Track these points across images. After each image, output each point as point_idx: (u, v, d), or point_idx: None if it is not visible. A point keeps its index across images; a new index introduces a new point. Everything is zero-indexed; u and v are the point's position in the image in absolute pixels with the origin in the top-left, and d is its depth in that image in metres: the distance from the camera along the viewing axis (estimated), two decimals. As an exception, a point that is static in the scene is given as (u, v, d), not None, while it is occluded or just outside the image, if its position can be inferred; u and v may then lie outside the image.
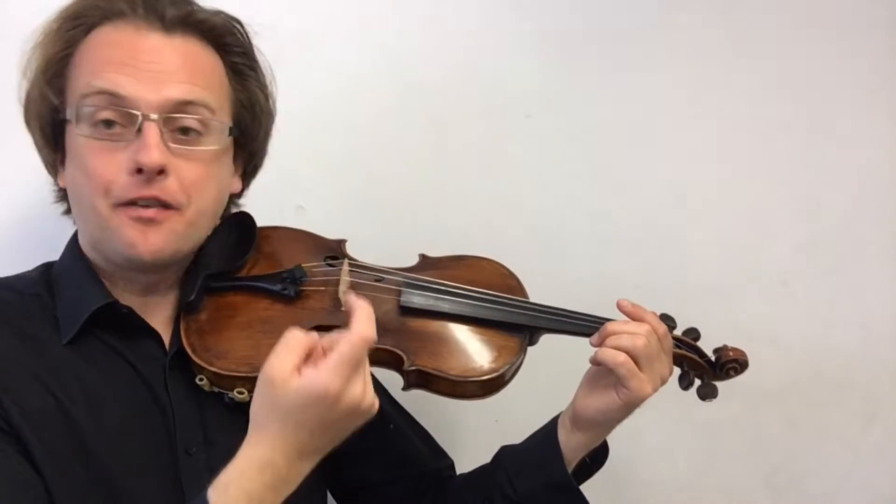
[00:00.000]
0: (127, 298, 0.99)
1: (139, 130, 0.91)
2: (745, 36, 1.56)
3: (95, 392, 0.93)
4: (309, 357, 0.82)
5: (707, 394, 1.11)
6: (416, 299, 1.04)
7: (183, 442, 0.95)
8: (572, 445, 1.06)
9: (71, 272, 1.00)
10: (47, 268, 1.03)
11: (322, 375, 0.80)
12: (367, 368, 0.84)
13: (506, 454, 1.12)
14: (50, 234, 1.08)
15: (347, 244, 1.13)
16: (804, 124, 1.59)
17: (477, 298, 1.06)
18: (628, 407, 1.03)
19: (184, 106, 0.94)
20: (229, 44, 1.02)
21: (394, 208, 1.41)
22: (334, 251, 1.11)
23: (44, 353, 0.93)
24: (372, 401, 0.84)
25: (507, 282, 1.12)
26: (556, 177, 1.50)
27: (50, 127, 0.97)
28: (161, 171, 0.92)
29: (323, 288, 1.04)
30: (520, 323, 1.06)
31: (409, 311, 1.04)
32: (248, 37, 1.04)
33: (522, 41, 1.48)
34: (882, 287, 1.62)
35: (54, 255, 1.04)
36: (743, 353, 1.10)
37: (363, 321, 0.83)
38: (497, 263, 1.15)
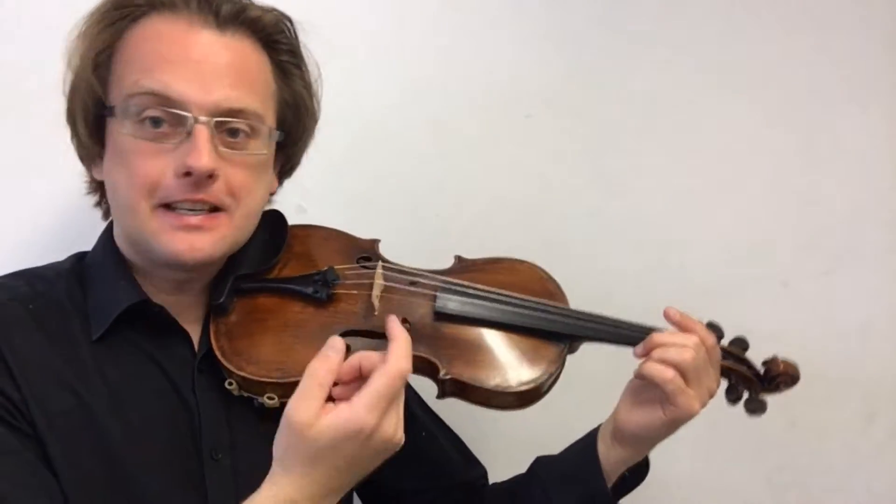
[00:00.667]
0: (158, 296, 0.96)
1: (189, 133, 0.89)
2: (746, 35, 1.56)
3: (121, 392, 0.91)
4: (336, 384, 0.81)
5: (755, 409, 1.05)
6: (452, 304, 1.00)
7: (209, 446, 0.93)
8: (612, 460, 1.02)
9: (103, 266, 0.98)
10: (79, 259, 1.01)
11: (358, 413, 0.78)
12: (402, 402, 0.83)
13: (542, 466, 1.09)
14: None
15: (381, 244, 1.09)
16: (804, 124, 1.59)
17: (516, 304, 1.01)
18: (674, 424, 0.98)
19: (234, 112, 0.91)
20: (278, 41, 0.98)
21: (394, 208, 1.41)
22: (367, 252, 1.07)
23: (71, 351, 0.91)
24: (402, 436, 0.83)
25: (547, 286, 1.08)
26: (556, 177, 1.50)
27: (94, 119, 0.94)
28: (210, 176, 0.89)
29: (356, 291, 1.01)
30: (560, 331, 1.01)
31: (444, 317, 1.00)
32: (295, 34, 1.01)
33: (523, 41, 1.48)
34: (882, 287, 1.62)
35: (86, 245, 1.03)
36: (795, 367, 1.04)
37: (401, 353, 0.82)
38: (536, 267, 1.10)
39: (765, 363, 1.06)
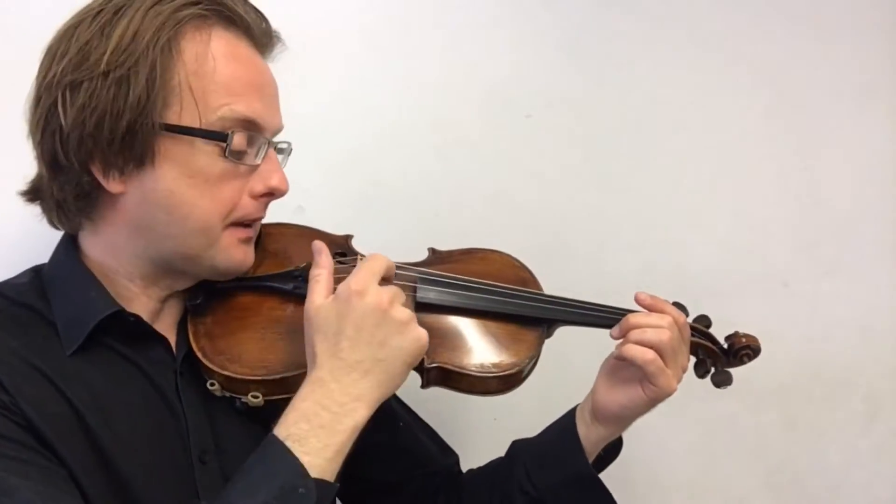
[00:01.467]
0: (142, 304, 0.95)
1: (260, 154, 0.93)
2: (746, 35, 1.56)
3: (106, 399, 0.89)
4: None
5: (722, 381, 1.10)
6: (432, 294, 1.02)
7: (197, 450, 0.93)
8: (592, 439, 1.05)
9: (70, 278, 0.94)
10: (36, 273, 0.97)
11: (348, 282, 0.89)
12: (394, 289, 0.90)
13: (521, 449, 1.10)
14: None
15: (353, 240, 1.10)
16: (804, 124, 1.59)
17: (493, 292, 1.04)
18: (653, 402, 1.01)
19: (280, 131, 0.97)
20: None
21: (394, 208, 1.41)
22: (342, 247, 1.08)
23: (50, 362, 0.88)
24: (409, 315, 0.89)
25: (520, 274, 1.10)
26: (556, 177, 1.50)
27: (152, 127, 0.86)
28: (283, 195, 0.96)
29: (335, 286, 1.01)
30: (537, 316, 1.04)
31: (424, 307, 1.01)
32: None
33: (523, 41, 1.48)
34: (882, 287, 1.62)
35: (33, 260, 0.99)
36: (755, 339, 1.09)
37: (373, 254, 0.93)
38: (508, 256, 1.13)
39: (727, 338, 1.10)
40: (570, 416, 1.08)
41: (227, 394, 0.94)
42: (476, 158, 1.46)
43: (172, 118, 0.87)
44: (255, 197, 0.94)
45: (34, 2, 1.17)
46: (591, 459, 1.05)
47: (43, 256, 0.99)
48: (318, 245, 0.96)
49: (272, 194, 0.95)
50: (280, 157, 0.99)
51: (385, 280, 0.93)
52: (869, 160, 1.61)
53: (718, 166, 1.56)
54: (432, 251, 1.13)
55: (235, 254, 0.95)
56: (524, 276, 1.10)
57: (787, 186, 1.58)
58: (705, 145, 1.55)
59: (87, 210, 0.92)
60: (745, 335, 1.09)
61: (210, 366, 0.93)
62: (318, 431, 0.83)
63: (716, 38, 1.55)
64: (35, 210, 0.96)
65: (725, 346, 1.10)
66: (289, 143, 1.01)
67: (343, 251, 1.08)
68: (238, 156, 0.91)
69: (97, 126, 0.85)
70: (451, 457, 1.20)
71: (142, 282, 0.95)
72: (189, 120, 0.88)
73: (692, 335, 1.07)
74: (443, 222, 1.44)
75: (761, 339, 1.09)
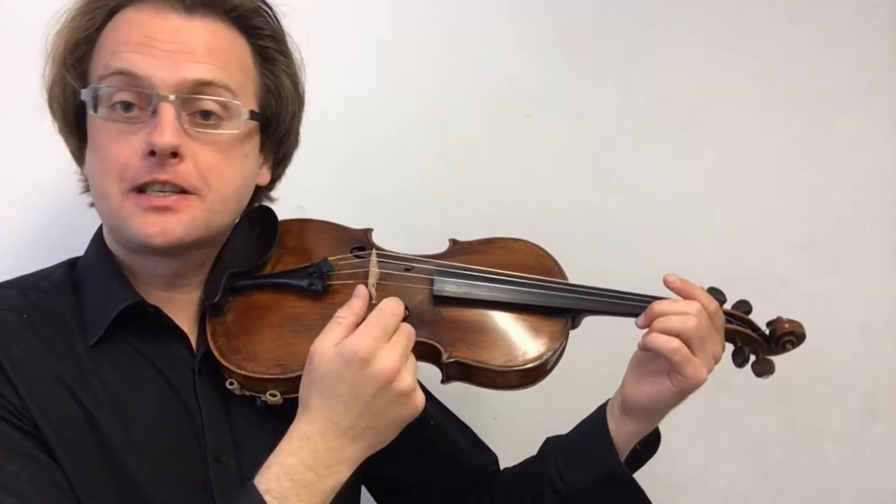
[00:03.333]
0: (152, 294, 0.96)
1: (154, 112, 0.88)
2: (745, 36, 1.56)
3: (121, 398, 0.90)
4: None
5: (763, 370, 1.04)
6: (450, 287, 1.00)
7: (213, 449, 0.92)
8: (623, 434, 1.01)
9: (96, 269, 0.96)
10: (72, 264, 0.99)
11: (354, 337, 0.85)
12: (404, 346, 0.87)
13: (553, 446, 1.08)
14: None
15: (374, 233, 1.09)
16: (804, 124, 1.59)
17: (514, 283, 1.01)
18: (683, 393, 0.97)
19: (202, 87, 0.90)
20: (257, 26, 0.97)
21: (394, 208, 1.41)
22: (361, 241, 1.07)
23: (69, 358, 0.90)
24: (411, 385, 0.85)
25: (544, 263, 1.07)
26: (556, 177, 1.50)
27: (72, 112, 0.94)
28: (175, 154, 0.88)
29: (352, 281, 0.99)
30: (561, 306, 1.00)
31: (443, 301, 0.99)
32: (278, 20, 1.00)
33: (523, 41, 1.48)
34: (882, 287, 1.62)
35: (79, 249, 1.02)
36: (799, 325, 1.03)
37: (389, 298, 0.89)
38: (531, 244, 1.10)
39: (769, 324, 1.05)
40: (601, 411, 1.05)
41: (247, 392, 0.93)
42: (476, 158, 1.46)
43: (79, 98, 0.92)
44: (144, 156, 0.88)
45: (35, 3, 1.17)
46: (624, 454, 1.02)
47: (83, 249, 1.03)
48: (360, 290, 0.91)
49: (154, 152, 0.87)
50: (204, 120, 0.91)
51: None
52: (869, 160, 1.61)
53: (718, 166, 1.56)
54: (453, 242, 1.11)
55: (140, 223, 0.88)
56: (548, 265, 1.07)
57: (787, 186, 1.58)
58: (705, 145, 1.55)
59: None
60: (789, 320, 1.04)
61: (227, 365, 0.92)
62: (300, 491, 0.82)
63: (716, 38, 1.55)
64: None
65: (767, 332, 1.05)
66: (220, 102, 0.91)
67: (362, 245, 1.06)
68: (127, 117, 0.89)
69: (56, 118, 0.96)
70: (486, 455, 1.17)
71: (136, 265, 0.96)
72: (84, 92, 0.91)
73: (729, 321, 1.02)
74: (442, 222, 1.44)
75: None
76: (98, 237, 0.99)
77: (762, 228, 1.57)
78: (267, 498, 0.80)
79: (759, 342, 1.04)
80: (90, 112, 0.91)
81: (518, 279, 1.01)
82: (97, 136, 0.91)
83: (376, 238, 1.09)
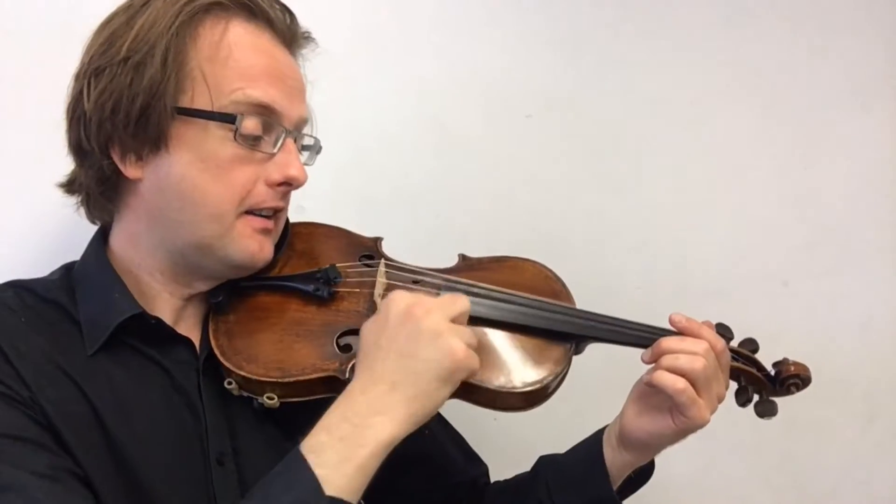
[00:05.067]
0: (166, 302, 0.95)
1: (278, 143, 0.92)
2: (746, 36, 1.56)
3: (126, 398, 0.89)
4: None
5: (765, 411, 1.02)
6: None
7: (214, 451, 0.91)
8: (618, 464, 1.01)
9: (96, 277, 0.95)
10: (67, 270, 0.98)
11: (396, 293, 0.87)
12: (446, 304, 0.87)
13: (546, 467, 1.07)
14: (64, 234, 1.04)
15: (384, 242, 1.09)
16: (804, 124, 1.59)
17: (520, 304, 1.00)
18: (683, 433, 0.96)
19: (304, 125, 0.98)
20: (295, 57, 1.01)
21: (394, 209, 1.41)
22: (370, 250, 1.07)
23: (72, 358, 0.89)
24: (443, 326, 0.84)
25: (552, 286, 1.06)
26: (556, 177, 1.50)
27: (165, 110, 0.88)
28: (299, 186, 0.95)
29: (358, 290, 0.99)
30: (566, 331, 0.99)
31: None
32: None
33: (523, 41, 1.48)
34: (882, 287, 1.62)
35: (71, 255, 1.00)
36: (805, 368, 1.02)
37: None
38: (541, 266, 1.09)
39: (775, 365, 1.04)
40: (598, 437, 1.04)
41: (244, 393, 0.92)
42: (476, 158, 1.46)
43: (185, 102, 0.89)
44: (271, 185, 0.93)
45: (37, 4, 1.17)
46: (617, 483, 1.01)
47: (79, 253, 1.01)
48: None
49: (288, 184, 0.94)
50: (307, 153, 1.01)
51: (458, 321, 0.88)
52: (869, 160, 1.61)
53: (718, 166, 1.56)
54: (462, 258, 1.11)
55: (250, 244, 0.93)
56: (556, 289, 1.06)
57: (787, 186, 1.58)
58: (705, 145, 1.55)
59: (109, 196, 0.95)
60: (795, 363, 1.02)
61: (227, 364, 0.92)
62: (336, 444, 0.79)
63: (715, 39, 1.55)
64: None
65: (772, 373, 1.03)
66: (316, 140, 1.02)
67: (370, 254, 1.06)
68: (252, 141, 0.91)
69: (114, 109, 0.88)
70: (477, 467, 1.17)
71: (162, 277, 0.95)
72: (202, 104, 0.89)
73: (735, 360, 1.01)
74: (443, 222, 1.44)
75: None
76: (97, 246, 0.98)
77: (762, 229, 1.57)
78: (307, 455, 0.79)
79: (763, 383, 1.03)
80: (211, 126, 0.89)
81: (525, 300, 1.00)
82: (217, 154, 0.90)
83: (385, 247, 1.09)
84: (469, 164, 1.46)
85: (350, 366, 0.90)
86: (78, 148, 0.93)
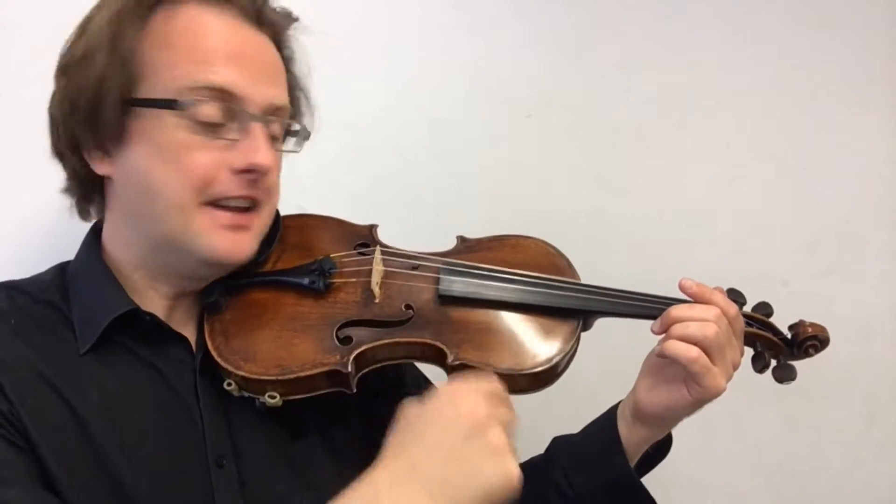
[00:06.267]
0: (154, 300, 0.93)
1: (244, 129, 0.87)
2: (745, 36, 1.56)
3: (117, 401, 0.86)
4: None
5: (784, 376, 0.99)
6: (457, 286, 0.96)
7: (214, 453, 0.88)
8: (634, 440, 0.98)
9: (88, 275, 0.93)
10: (62, 269, 0.96)
11: (440, 388, 0.78)
12: (501, 408, 0.77)
13: (560, 448, 1.04)
14: (60, 233, 1.02)
15: (379, 229, 1.06)
16: (804, 124, 1.59)
17: (523, 282, 0.97)
18: (700, 403, 0.93)
19: (278, 110, 0.91)
20: (282, 40, 0.97)
21: (394, 208, 1.41)
22: (365, 238, 1.03)
23: (60, 362, 0.86)
24: (505, 443, 0.74)
25: (555, 261, 1.03)
26: (556, 177, 1.50)
27: (123, 105, 0.86)
28: (266, 173, 0.88)
29: (354, 279, 0.96)
30: (572, 307, 0.96)
31: (449, 300, 0.95)
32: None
33: (523, 41, 1.48)
34: (882, 287, 1.62)
35: (66, 255, 0.99)
36: (823, 329, 0.99)
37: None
38: (542, 242, 1.06)
39: (791, 328, 1.00)
40: (612, 414, 1.01)
41: (245, 394, 0.90)
42: (476, 158, 1.46)
43: (139, 94, 0.87)
44: (236, 173, 0.87)
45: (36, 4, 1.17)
46: (635, 460, 0.99)
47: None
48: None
49: (253, 171, 0.87)
50: (293, 140, 0.96)
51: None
52: (869, 160, 1.61)
53: (718, 166, 1.56)
54: (461, 239, 1.07)
55: (217, 240, 0.88)
56: (559, 264, 1.03)
57: (787, 186, 1.58)
58: (705, 145, 1.55)
59: (89, 196, 0.94)
60: (812, 324, 0.99)
61: (225, 365, 0.89)
62: None
63: (715, 39, 1.55)
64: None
65: (789, 336, 1.00)
66: (304, 127, 0.96)
67: (366, 242, 1.03)
68: (213, 128, 0.86)
69: (71, 108, 0.87)
70: None
71: (147, 274, 0.92)
72: (155, 93, 0.86)
73: (749, 325, 0.98)
74: (443, 222, 1.44)
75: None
76: (91, 243, 0.96)
77: (762, 228, 1.57)
78: None
79: (780, 346, 1.00)
80: (159, 116, 0.86)
81: (528, 278, 0.98)
82: (173, 143, 0.86)
83: (381, 234, 1.06)
84: (469, 164, 1.46)
85: (352, 357, 0.89)
86: (55, 150, 0.92)
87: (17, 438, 0.80)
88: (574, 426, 1.09)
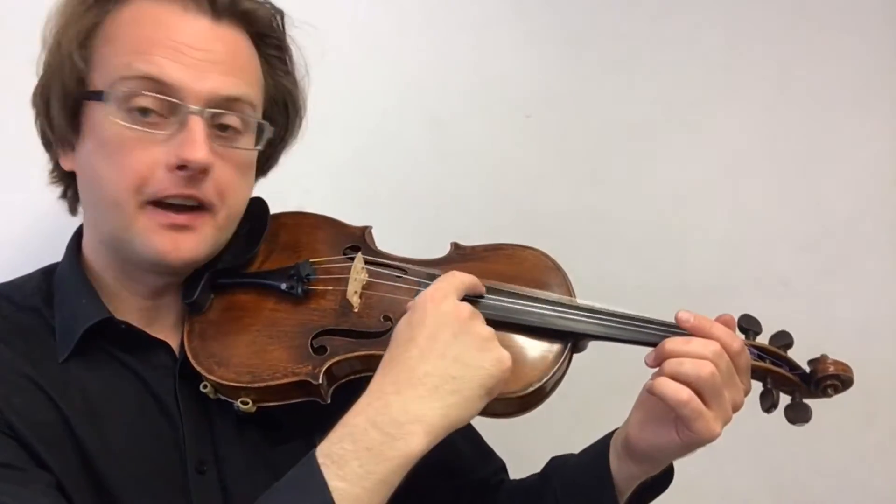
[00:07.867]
0: (130, 301, 0.91)
1: (182, 124, 0.83)
2: (745, 36, 1.56)
3: (99, 406, 0.85)
4: None
5: (798, 417, 0.88)
6: None
7: (193, 458, 0.87)
8: (624, 475, 0.92)
9: (69, 281, 0.91)
10: (49, 273, 0.95)
11: (422, 291, 0.82)
12: (476, 310, 0.82)
13: (555, 470, 1.01)
14: (54, 229, 1.01)
15: (375, 230, 1.03)
16: (804, 124, 1.59)
17: (510, 300, 0.91)
18: (690, 447, 0.86)
19: (229, 102, 0.87)
20: (267, 35, 0.94)
21: (394, 208, 1.41)
22: (356, 241, 0.99)
23: (45, 366, 0.85)
24: (490, 333, 0.79)
25: (550, 276, 0.97)
26: (556, 177, 1.49)
27: (73, 102, 0.86)
28: (205, 171, 0.84)
29: (332, 287, 0.93)
30: (563, 329, 0.90)
31: None
32: (284, 29, 0.96)
33: (523, 41, 1.48)
34: (882, 287, 1.62)
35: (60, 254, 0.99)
36: (846, 368, 0.88)
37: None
38: (539, 253, 1.00)
39: (811, 362, 0.90)
40: (605, 444, 0.96)
41: (221, 397, 0.87)
42: (476, 158, 1.46)
43: (87, 87, 0.86)
44: (171, 170, 0.83)
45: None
46: (627, 493, 0.93)
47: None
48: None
49: (185, 167, 0.83)
50: (248, 135, 0.90)
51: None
52: (869, 160, 1.61)
53: (719, 166, 1.56)
54: (455, 246, 1.02)
55: (156, 240, 0.84)
56: (555, 280, 0.97)
57: (787, 187, 1.58)
58: (705, 145, 1.55)
59: (66, 193, 0.94)
60: (835, 362, 0.88)
61: (199, 368, 0.86)
62: (362, 454, 0.72)
63: (716, 39, 1.55)
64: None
65: (807, 371, 0.89)
66: (262, 123, 0.90)
67: (356, 245, 0.99)
68: (151, 123, 0.83)
69: (35, 103, 0.90)
70: (490, 464, 1.09)
71: (114, 273, 0.91)
72: (94, 85, 0.85)
73: (761, 358, 0.89)
74: (443, 222, 1.44)
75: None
76: (74, 244, 0.95)
77: (762, 228, 1.57)
78: (325, 465, 0.71)
79: (796, 383, 0.89)
80: (100, 108, 0.84)
81: (516, 295, 0.92)
82: (110, 137, 0.84)
83: (376, 236, 1.04)
84: (469, 163, 1.46)
85: (324, 369, 0.85)
86: (44, 145, 0.94)
87: (8, 431, 0.80)
88: (575, 429, 1.08)
